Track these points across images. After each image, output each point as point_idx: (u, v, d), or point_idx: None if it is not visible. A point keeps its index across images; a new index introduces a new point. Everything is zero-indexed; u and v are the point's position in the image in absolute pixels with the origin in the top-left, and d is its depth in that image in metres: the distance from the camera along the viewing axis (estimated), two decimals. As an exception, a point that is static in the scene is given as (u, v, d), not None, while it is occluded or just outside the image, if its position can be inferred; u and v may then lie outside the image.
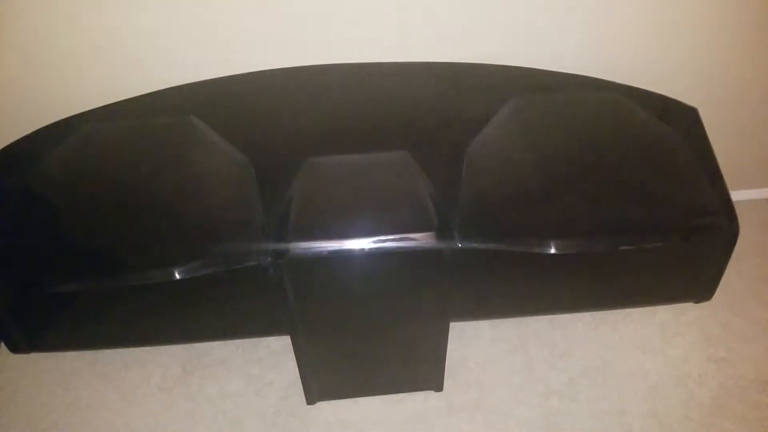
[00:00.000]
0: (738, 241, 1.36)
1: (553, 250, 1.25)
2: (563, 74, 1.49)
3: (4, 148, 1.38)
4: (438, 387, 1.47)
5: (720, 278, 1.41)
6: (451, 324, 1.47)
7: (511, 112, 1.42)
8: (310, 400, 1.45)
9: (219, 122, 1.40)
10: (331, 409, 1.46)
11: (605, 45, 1.49)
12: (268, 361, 1.53)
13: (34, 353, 1.40)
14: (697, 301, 1.47)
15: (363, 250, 1.21)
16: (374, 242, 1.20)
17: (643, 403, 1.46)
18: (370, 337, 1.37)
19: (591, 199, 1.32)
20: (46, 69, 1.42)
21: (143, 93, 1.44)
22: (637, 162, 1.37)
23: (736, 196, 1.42)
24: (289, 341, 1.50)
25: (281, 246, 1.21)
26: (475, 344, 1.56)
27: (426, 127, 1.42)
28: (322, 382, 1.43)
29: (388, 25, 1.43)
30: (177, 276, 1.21)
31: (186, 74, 1.44)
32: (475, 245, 1.26)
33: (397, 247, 1.21)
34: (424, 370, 1.45)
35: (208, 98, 1.46)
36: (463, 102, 1.46)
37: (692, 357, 1.53)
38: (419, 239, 1.21)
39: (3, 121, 1.47)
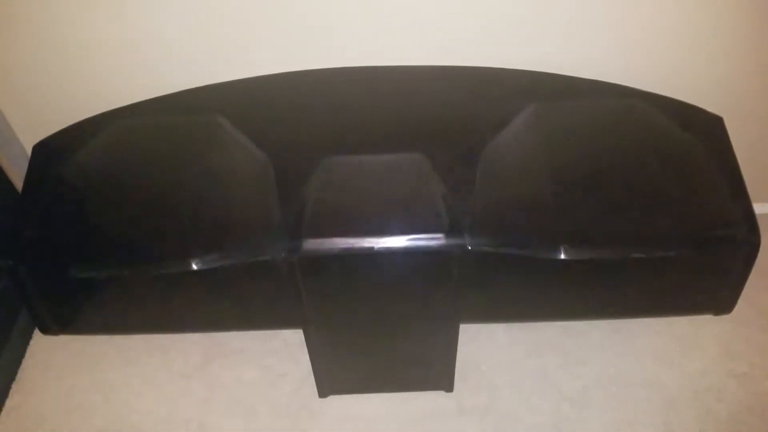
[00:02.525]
0: (764, 256, 1.33)
1: (563, 256, 1.25)
2: (584, 80, 1.47)
3: (39, 143, 1.46)
4: (448, 387, 1.48)
5: (740, 291, 1.36)
6: (465, 327, 1.48)
7: (529, 117, 1.41)
8: (322, 393, 1.48)
9: (242, 121, 1.45)
10: (342, 403, 1.49)
11: (627, 50, 1.46)
12: (284, 353, 1.57)
13: (63, 336, 1.47)
14: (716, 314, 1.43)
15: (373, 248, 1.23)
16: (385, 241, 1.23)
17: (657, 415, 1.44)
18: (380, 334, 1.39)
19: (606, 206, 1.30)
20: (79, 68, 1.49)
21: (172, 92, 1.49)
22: (656, 170, 1.34)
23: (760, 209, 1.38)
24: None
25: (295, 242, 1.24)
26: (488, 348, 1.56)
27: (442, 131, 1.42)
28: (333, 376, 1.47)
29: (406, 28, 1.44)
30: (194, 267, 1.27)
31: (213, 75, 1.49)
32: (485, 248, 1.27)
33: (407, 247, 1.22)
34: (434, 370, 1.46)
35: (233, 98, 1.50)
36: (480, 106, 1.46)
37: (712, 371, 1.50)
38: (429, 240, 1.23)
39: (39, 117, 1.54)
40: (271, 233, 1.29)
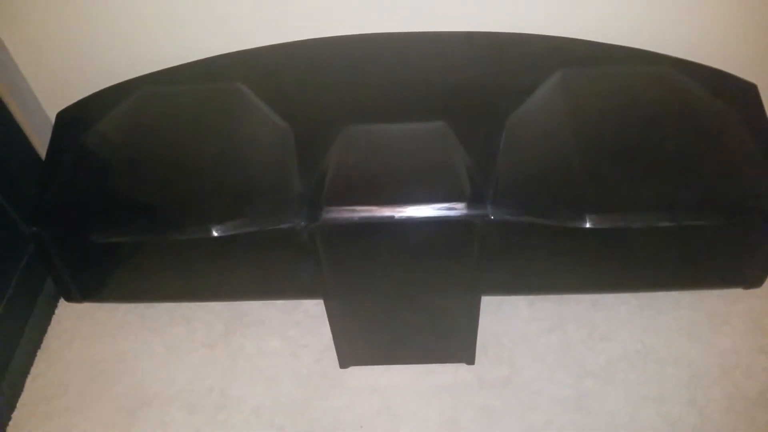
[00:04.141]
0: None
1: (588, 225, 1.22)
2: (611, 46, 1.44)
3: (63, 110, 1.47)
4: (469, 360, 1.47)
5: (772, 264, 1.33)
6: (488, 300, 1.47)
7: (556, 84, 1.38)
8: (343, 364, 1.48)
9: (264, 90, 1.44)
10: (362, 374, 1.48)
11: (656, 15, 1.42)
12: (306, 325, 1.57)
13: (86, 303, 1.48)
14: (746, 288, 1.40)
15: (393, 217, 1.22)
16: (406, 210, 1.21)
17: (683, 391, 1.40)
18: (400, 305, 1.38)
19: (634, 174, 1.27)
20: (101, 36, 1.49)
21: (194, 60, 1.49)
22: (686, 138, 1.31)
23: (794, 179, 1.33)
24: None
25: (315, 210, 1.23)
26: (510, 321, 1.54)
27: (466, 99, 1.40)
28: (354, 347, 1.46)
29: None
30: (215, 233, 1.27)
31: (234, 42, 1.49)
32: (507, 217, 1.25)
33: (428, 217, 1.21)
34: (455, 343, 1.45)
35: (254, 66, 1.50)
36: (505, 73, 1.43)
37: (741, 347, 1.46)
38: (450, 209, 1.21)
39: (63, 86, 1.56)
40: (292, 201, 1.28)
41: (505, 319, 1.55)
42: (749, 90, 1.37)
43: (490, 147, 1.32)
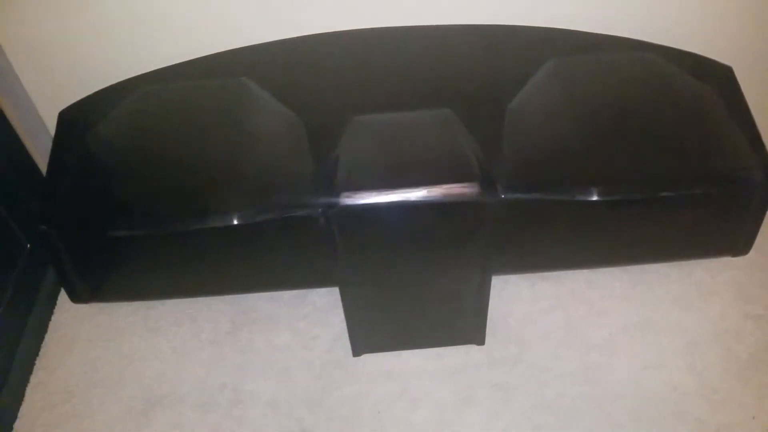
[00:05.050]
0: None
1: (595, 197, 1.29)
2: (599, 35, 1.54)
3: (65, 109, 1.46)
4: (480, 341, 1.51)
5: (757, 230, 1.44)
6: (491, 283, 1.52)
7: (551, 71, 1.47)
8: (356, 352, 1.49)
9: (270, 84, 1.47)
10: (375, 361, 1.50)
11: (639, 6, 1.53)
12: (314, 317, 1.58)
13: (92, 304, 1.46)
14: (734, 255, 1.50)
15: (409, 199, 1.25)
16: (420, 192, 1.25)
17: (681, 358, 1.49)
18: (414, 288, 1.41)
19: (632, 150, 1.36)
20: (102, 33, 1.49)
21: (196, 57, 1.50)
22: (674, 117, 1.41)
23: (770, 155, 1.45)
24: (334, 298, 1.57)
25: (331, 197, 1.26)
26: (514, 303, 1.60)
27: (467, 87, 1.47)
28: (367, 334, 1.48)
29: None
30: (234, 221, 1.28)
31: (237, 39, 1.51)
32: (518, 195, 1.31)
33: (443, 197, 1.25)
34: (466, 324, 1.49)
35: (258, 61, 1.52)
36: (502, 63, 1.51)
37: (729, 314, 1.55)
38: (464, 189, 1.26)
39: (56, 87, 1.54)
40: (307, 189, 1.31)
41: (509, 300, 1.60)
42: (726, 72, 1.49)
43: (494, 131, 1.38)
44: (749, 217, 1.41)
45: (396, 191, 1.25)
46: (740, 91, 1.45)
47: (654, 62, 1.49)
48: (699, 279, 1.62)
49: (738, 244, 1.47)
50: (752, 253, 1.54)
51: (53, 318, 1.59)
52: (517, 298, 1.60)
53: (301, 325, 1.57)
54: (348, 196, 1.25)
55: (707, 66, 1.51)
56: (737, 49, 1.56)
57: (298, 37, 1.52)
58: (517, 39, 1.54)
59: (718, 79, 1.47)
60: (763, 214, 1.41)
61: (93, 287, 1.40)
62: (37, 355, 1.52)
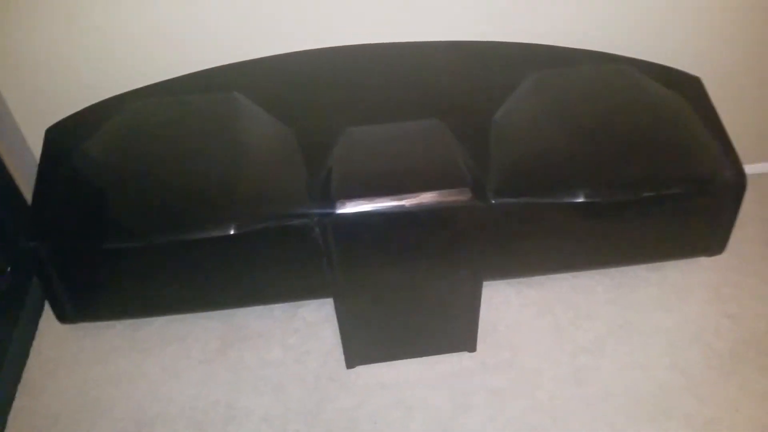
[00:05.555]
0: (741, 212, 1.49)
1: (581, 199, 1.34)
2: (575, 50, 1.61)
3: (52, 126, 1.44)
4: (471, 348, 1.53)
5: (731, 230, 1.51)
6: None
7: (532, 83, 1.53)
8: (350, 364, 1.49)
9: (260, 98, 1.49)
10: (369, 372, 1.50)
11: (609, 20, 1.61)
12: (305, 332, 1.57)
13: (76, 327, 1.42)
14: (710, 255, 1.57)
15: (403, 206, 1.27)
16: (414, 199, 1.27)
17: (665, 356, 1.53)
18: (408, 296, 1.42)
19: (612, 155, 1.43)
20: (89, 50, 1.48)
21: (185, 73, 1.51)
22: (650, 124, 1.48)
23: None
24: (325, 313, 1.60)
25: (326, 206, 1.27)
26: (503, 310, 1.63)
27: (454, 99, 1.52)
28: (360, 345, 1.48)
29: (416, 7, 1.53)
30: (230, 231, 1.27)
31: (226, 55, 1.52)
32: (507, 200, 1.35)
33: (435, 203, 1.28)
34: (458, 331, 1.50)
35: (248, 77, 1.54)
36: (486, 76, 1.57)
37: (708, 313, 1.62)
38: (455, 195, 1.29)
39: (50, 101, 1.52)
40: (302, 199, 1.32)
41: (498, 307, 1.63)
42: (694, 82, 1.58)
43: (481, 140, 1.43)
44: (723, 217, 1.48)
45: (390, 198, 1.26)
46: (709, 99, 1.54)
47: (628, 73, 1.57)
48: (676, 281, 1.68)
49: (713, 243, 1.54)
50: (725, 255, 1.62)
51: (35, 342, 1.55)
52: (505, 305, 1.63)
53: (292, 340, 1.56)
54: (343, 205, 1.26)
55: (677, 76, 1.59)
56: (704, 61, 1.66)
57: (287, 53, 1.55)
58: (499, 54, 1.60)
59: (688, 88, 1.56)
60: (736, 214, 1.48)
61: (82, 305, 1.37)
62: (18, 381, 1.47)
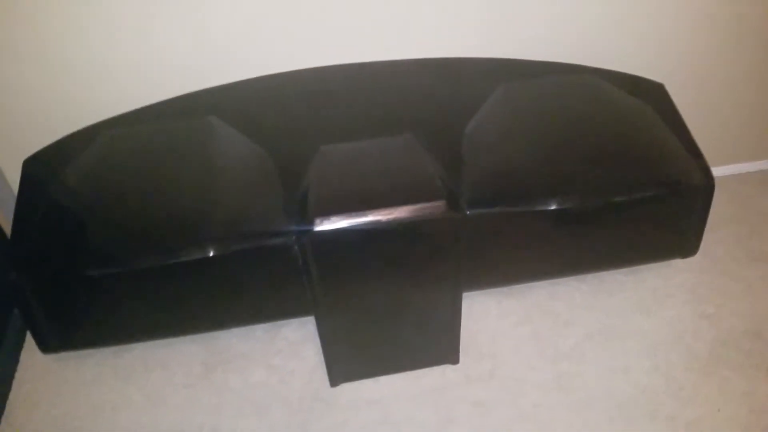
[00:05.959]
0: (712, 214, 1.53)
1: (553, 206, 1.37)
2: (540, 62, 1.65)
3: (30, 157, 1.45)
4: (454, 360, 1.54)
5: (703, 231, 1.55)
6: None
7: (501, 96, 1.56)
8: (334, 382, 1.49)
9: (235, 121, 1.51)
10: (354, 389, 1.50)
11: (571, 31, 1.65)
12: (288, 352, 1.58)
13: (57, 357, 1.42)
14: (684, 257, 1.60)
15: (380, 221, 1.29)
16: (390, 213, 1.29)
17: (646, 359, 1.55)
18: (389, 311, 1.43)
19: (582, 162, 1.46)
20: (63, 79, 1.49)
21: (159, 100, 1.53)
22: (617, 131, 1.52)
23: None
24: (307, 331, 1.60)
25: (304, 223, 1.28)
26: (483, 320, 1.64)
27: (424, 115, 1.54)
28: (344, 362, 1.49)
29: (382, 27, 1.57)
30: (209, 253, 1.28)
31: (200, 81, 1.54)
32: (481, 210, 1.37)
33: (412, 216, 1.29)
34: (440, 344, 1.52)
35: (222, 101, 1.56)
36: (455, 91, 1.60)
37: (685, 315, 1.64)
38: (431, 207, 1.30)
39: (26, 133, 1.52)
40: (279, 218, 1.33)
41: (478, 318, 1.64)
42: (658, 88, 1.63)
43: (454, 153, 1.45)
44: (694, 219, 1.52)
45: (366, 214, 1.28)
46: (673, 105, 1.58)
47: (593, 83, 1.61)
48: (653, 285, 1.71)
49: (686, 245, 1.57)
50: (698, 257, 1.65)
51: (17, 374, 1.53)
52: (485, 316, 1.65)
53: (275, 360, 1.56)
54: (320, 222, 1.27)
55: (641, 84, 1.64)
56: (667, 67, 1.71)
57: (261, 77, 1.57)
58: (468, 69, 1.64)
59: (652, 95, 1.60)
60: (707, 215, 1.52)
61: (64, 334, 1.36)
62: (2, 413, 1.46)
